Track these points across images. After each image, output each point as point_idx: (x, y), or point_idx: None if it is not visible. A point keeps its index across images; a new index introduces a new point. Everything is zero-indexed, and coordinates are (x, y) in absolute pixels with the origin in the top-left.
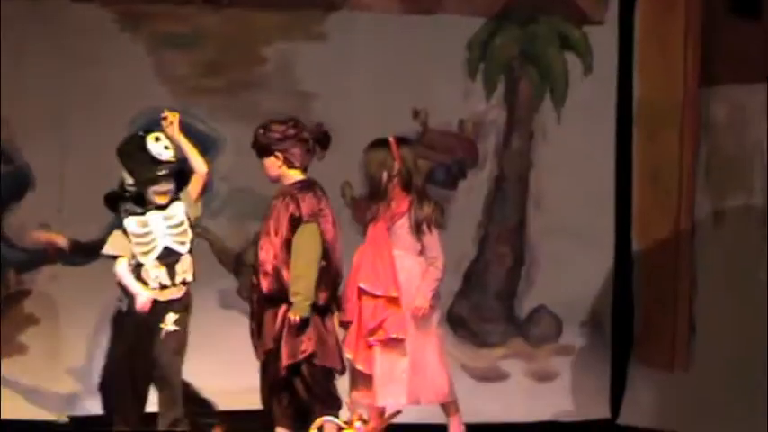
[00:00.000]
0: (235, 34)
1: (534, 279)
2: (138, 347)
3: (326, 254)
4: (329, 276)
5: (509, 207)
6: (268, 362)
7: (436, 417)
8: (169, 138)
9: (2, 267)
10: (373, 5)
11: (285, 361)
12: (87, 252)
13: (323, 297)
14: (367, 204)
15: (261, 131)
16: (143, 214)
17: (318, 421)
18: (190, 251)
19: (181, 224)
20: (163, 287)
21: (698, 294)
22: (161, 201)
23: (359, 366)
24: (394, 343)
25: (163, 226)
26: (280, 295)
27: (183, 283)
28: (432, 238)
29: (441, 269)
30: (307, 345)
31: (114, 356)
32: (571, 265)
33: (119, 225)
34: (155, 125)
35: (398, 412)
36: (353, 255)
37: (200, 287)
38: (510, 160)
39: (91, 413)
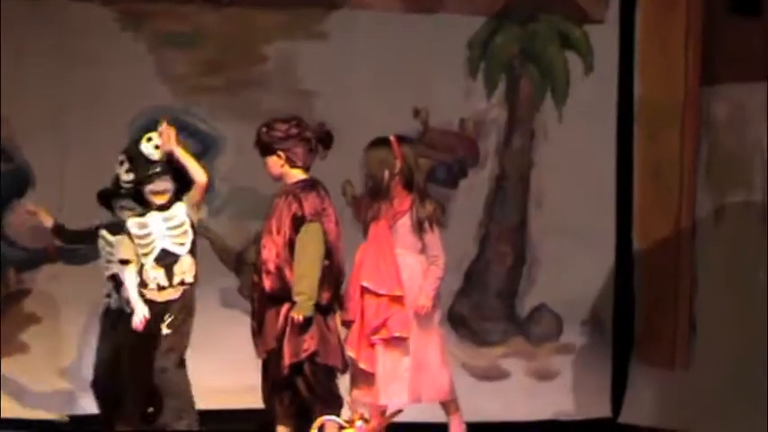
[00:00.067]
0: (235, 33)
1: (535, 278)
2: (135, 349)
3: (329, 253)
4: (332, 276)
5: (510, 206)
6: (270, 361)
7: (437, 416)
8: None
9: (2, 266)
10: (374, 4)
11: (287, 360)
12: (69, 238)
13: (326, 296)
14: (368, 203)
15: (264, 130)
16: (143, 215)
17: (319, 420)
18: (191, 252)
19: (181, 225)
20: (161, 288)
21: (698, 293)
22: (159, 200)
23: (362, 365)
24: (397, 341)
25: (162, 227)
26: (282, 294)
27: (182, 283)
28: (433, 237)
29: (442, 268)
30: (309, 343)
31: (104, 356)
32: (572, 263)
33: (125, 230)
34: (155, 125)
35: (399, 411)
36: (355, 253)
37: (202, 286)
38: (511, 159)
39: (91, 412)
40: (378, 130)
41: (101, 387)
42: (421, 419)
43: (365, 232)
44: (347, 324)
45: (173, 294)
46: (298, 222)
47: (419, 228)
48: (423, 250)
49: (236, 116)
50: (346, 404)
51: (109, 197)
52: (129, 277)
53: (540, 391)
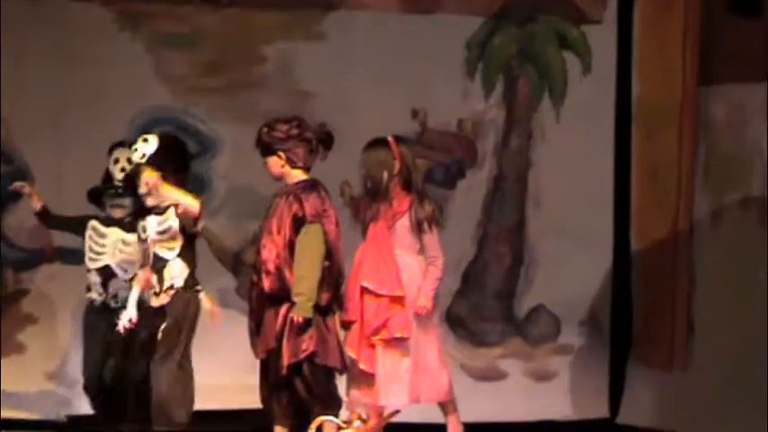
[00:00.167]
0: (234, 34)
1: (533, 278)
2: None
3: (329, 254)
4: (332, 277)
5: (508, 206)
6: (268, 361)
7: (435, 416)
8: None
9: (0, 267)
10: (372, 5)
11: (286, 360)
12: (54, 224)
13: (325, 297)
14: (367, 203)
15: (265, 130)
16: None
17: (317, 421)
18: (181, 256)
19: (168, 230)
20: (156, 294)
21: (696, 294)
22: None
23: (362, 366)
24: (397, 342)
25: (152, 232)
26: (281, 294)
27: (171, 288)
28: (432, 237)
29: (441, 268)
30: (308, 344)
31: (93, 357)
32: (570, 264)
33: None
34: (153, 125)
35: (397, 411)
36: (354, 254)
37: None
38: (509, 160)
39: (89, 413)
40: (376, 131)
41: (92, 388)
42: (418, 420)
43: (364, 233)
44: (346, 325)
45: (163, 299)
46: (298, 223)
47: (418, 228)
48: (421, 251)
49: (235, 116)
50: (344, 404)
51: (99, 195)
52: (138, 279)
53: (537, 391)
